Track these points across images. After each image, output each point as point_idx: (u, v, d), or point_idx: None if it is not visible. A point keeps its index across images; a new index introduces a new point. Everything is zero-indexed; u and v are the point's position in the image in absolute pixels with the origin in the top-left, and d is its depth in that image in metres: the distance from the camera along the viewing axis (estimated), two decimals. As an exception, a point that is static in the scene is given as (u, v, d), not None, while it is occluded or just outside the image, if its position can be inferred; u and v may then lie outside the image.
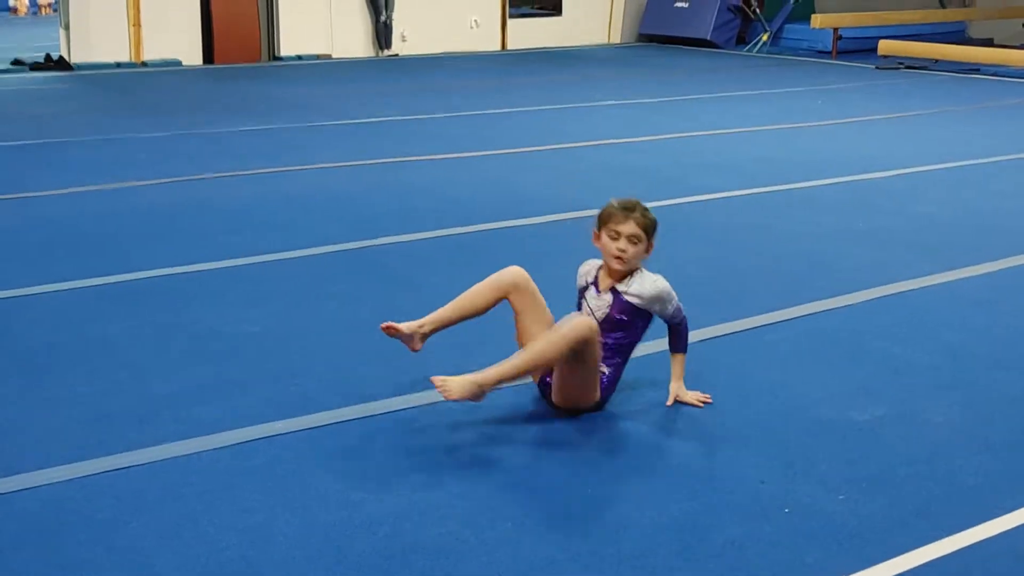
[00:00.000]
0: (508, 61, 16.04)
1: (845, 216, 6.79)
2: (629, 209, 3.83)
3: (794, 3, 17.84)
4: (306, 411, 3.83)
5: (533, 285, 3.99)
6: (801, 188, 7.58)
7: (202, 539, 3.01)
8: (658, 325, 3.93)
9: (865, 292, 5.24)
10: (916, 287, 5.34)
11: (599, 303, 3.86)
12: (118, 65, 14.30)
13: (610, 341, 3.82)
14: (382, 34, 16.03)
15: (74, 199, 7.09)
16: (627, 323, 3.82)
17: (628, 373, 3.96)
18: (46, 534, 3.04)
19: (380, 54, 16.09)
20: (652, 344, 4.24)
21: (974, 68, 14.71)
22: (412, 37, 16.39)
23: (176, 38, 14.68)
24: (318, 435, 3.66)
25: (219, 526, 3.08)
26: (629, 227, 3.79)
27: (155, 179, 7.62)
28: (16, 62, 14.33)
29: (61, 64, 14.18)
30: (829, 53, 16.65)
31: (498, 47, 17.36)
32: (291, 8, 15.35)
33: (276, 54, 15.36)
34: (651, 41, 18.43)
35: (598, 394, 3.78)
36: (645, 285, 3.82)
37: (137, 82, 13.18)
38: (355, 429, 3.71)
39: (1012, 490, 3.32)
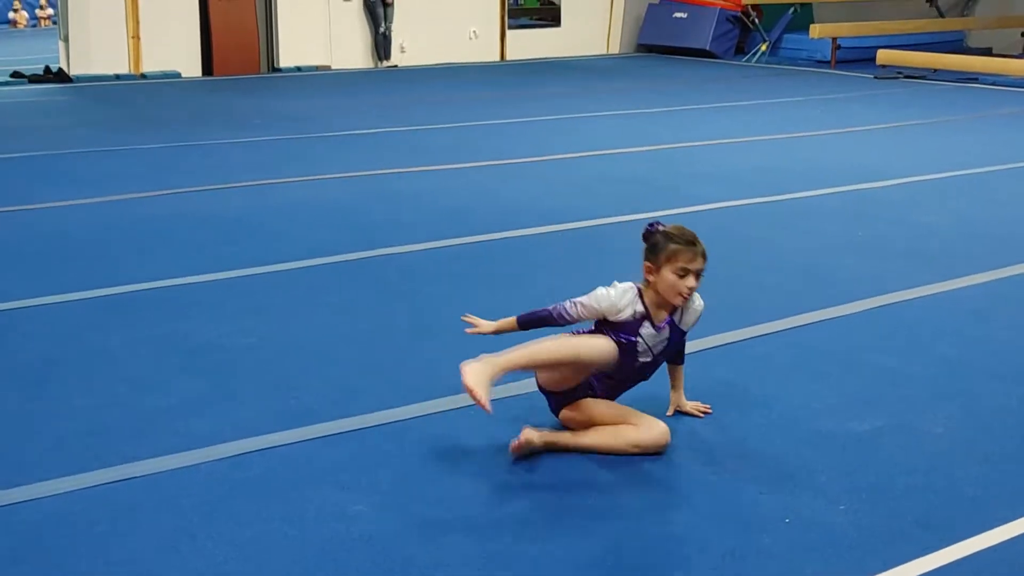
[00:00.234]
0: (507, 72, 16.06)
1: (843, 226, 6.78)
2: (693, 243, 3.60)
3: (793, 13, 17.86)
4: (303, 423, 3.82)
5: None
6: (799, 198, 7.58)
7: (199, 552, 3.00)
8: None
9: (863, 302, 5.23)
10: (914, 297, 5.34)
11: (659, 339, 3.66)
12: (117, 77, 14.32)
13: (636, 365, 3.70)
14: (381, 45, 16.05)
15: (72, 211, 7.09)
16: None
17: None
18: (44, 547, 3.03)
19: (379, 65, 16.11)
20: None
21: (972, 77, 14.72)
22: (411, 48, 16.41)
23: (175, 50, 14.70)
24: (315, 447, 3.65)
25: (216, 539, 3.07)
26: (699, 263, 3.60)
27: (153, 191, 7.62)
28: (15, 74, 14.35)
29: (60, 76, 14.20)
30: (828, 63, 16.67)
31: (497, 58, 17.39)
32: (290, 20, 15.38)
33: (275, 66, 15.38)
34: (650, 51, 18.46)
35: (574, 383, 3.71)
36: (692, 309, 3.72)
37: (136, 94, 13.19)
38: (352, 441, 3.70)
39: (1011, 500, 3.31)
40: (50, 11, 27.89)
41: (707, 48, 17.55)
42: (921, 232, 6.64)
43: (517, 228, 6.63)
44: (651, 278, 3.61)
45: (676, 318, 3.69)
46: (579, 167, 8.69)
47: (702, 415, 3.88)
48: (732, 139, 10.04)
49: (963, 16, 19.21)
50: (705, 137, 10.16)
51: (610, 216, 6.92)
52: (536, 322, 3.73)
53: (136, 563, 2.95)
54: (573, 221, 6.80)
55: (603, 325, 3.65)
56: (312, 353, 4.54)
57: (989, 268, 5.81)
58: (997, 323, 5.00)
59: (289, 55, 15.46)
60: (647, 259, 3.63)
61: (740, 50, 18.01)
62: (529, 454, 3.55)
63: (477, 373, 3.46)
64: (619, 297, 3.61)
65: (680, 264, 3.56)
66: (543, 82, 14.68)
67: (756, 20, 17.76)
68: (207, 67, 14.92)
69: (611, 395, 3.74)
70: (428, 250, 6.16)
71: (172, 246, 6.23)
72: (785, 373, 4.35)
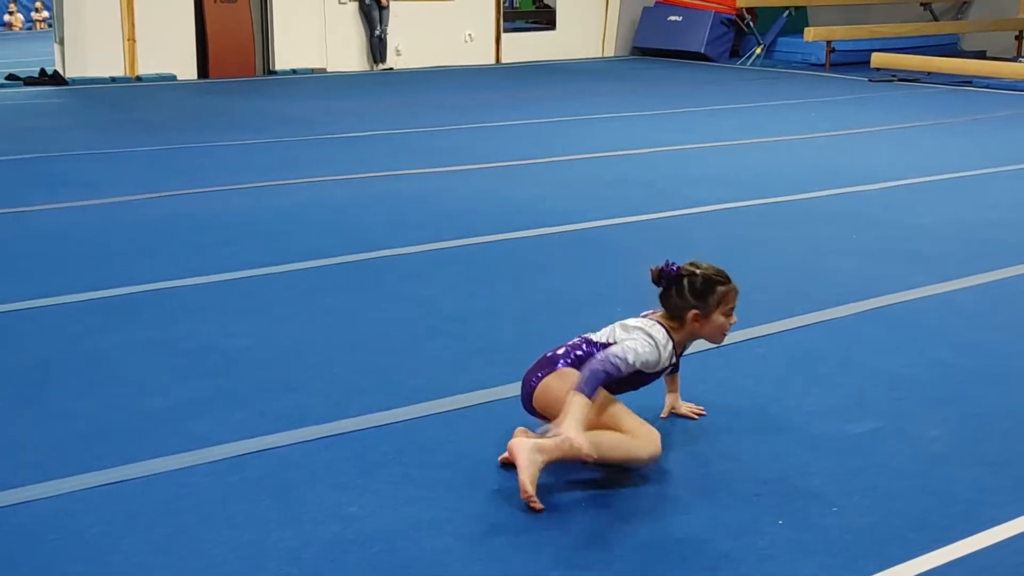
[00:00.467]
0: (503, 75, 16.08)
1: (838, 228, 6.80)
2: (730, 279, 3.62)
3: (787, 16, 17.90)
4: (301, 425, 3.83)
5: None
6: (795, 200, 7.59)
7: (196, 554, 3.01)
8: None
9: (858, 304, 5.25)
10: (909, 299, 5.35)
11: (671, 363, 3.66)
12: (113, 80, 14.32)
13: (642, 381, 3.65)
14: (376, 48, 16.06)
15: (68, 213, 7.10)
16: None
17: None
18: (40, 549, 3.03)
19: (374, 68, 16.13)
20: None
21: (967, 80, 14.75)
22: (406, 51, 16.43)
23: (171, 53, 14.70)
24: (313, 449, 3.66)
25: (213, 541, 3.07)
26: (736, 298, 3.63)
27: (150, 193, 7.62)
28: (11, 77, 14.35)
29: (56, 79, 14.20)
30: (822, 66, 16.70)
31: (492, 61, 17.40)
32: (286, 22, 15.39)
33: (271, 68, 15.39)
34: (645, 54, 18.48)
35: None
36: None
37: (132, 97, 13.19)
38: (350, 443, 3.71)
39: (1005, 503, 3.32)
40: (46, 14, 27.88)
41: (702, 51, 17.58)
42: (916, 234, 6.66)
43: (515, 230, 6.64)
44: (698, 324, 3.56)
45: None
46: (576, 169, 8.71)
47: (696, 417, 3.90)
48: (727, 142, 10.06)
49: (957, 19, 19.26)
50: (700, 140, 10.17)
51: (608, 218, 6.94)
52: (596, 388, 3.38)
53: (133, 565, 2.95)
54: (571, 223, 6.81)
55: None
56: (310, 355, 4.55)
57: (984, 270, 5.83)
58: (992, 325, 5.02)
59: (285, 58, 15.47)
60: (695, 307, 3.54)
61: (735, 53, 18.04)
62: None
63: (529, 466, 3.26)
64: (663, 352, 3.53)
65: (730, 305, 3.59)
66: (539, 85, 14.70)
67: (751, 23, 17.79)
68: (203, 70, 14.93)
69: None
70: (426, 252, 6.17)
71: (170, 248, 6.24)
72: (781, 375, 4.36)
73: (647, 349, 3.46)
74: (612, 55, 18.53)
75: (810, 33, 16.38)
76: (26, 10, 29.50)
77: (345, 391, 4.16)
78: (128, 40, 14.45)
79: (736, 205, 7.41)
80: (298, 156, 9.21)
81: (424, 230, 6.61)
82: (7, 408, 4.01)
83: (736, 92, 13.93)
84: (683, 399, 3.95)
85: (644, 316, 3.68)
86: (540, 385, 3.54)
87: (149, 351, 4.58)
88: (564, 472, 3.48)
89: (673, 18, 18.00)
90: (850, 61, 16.69)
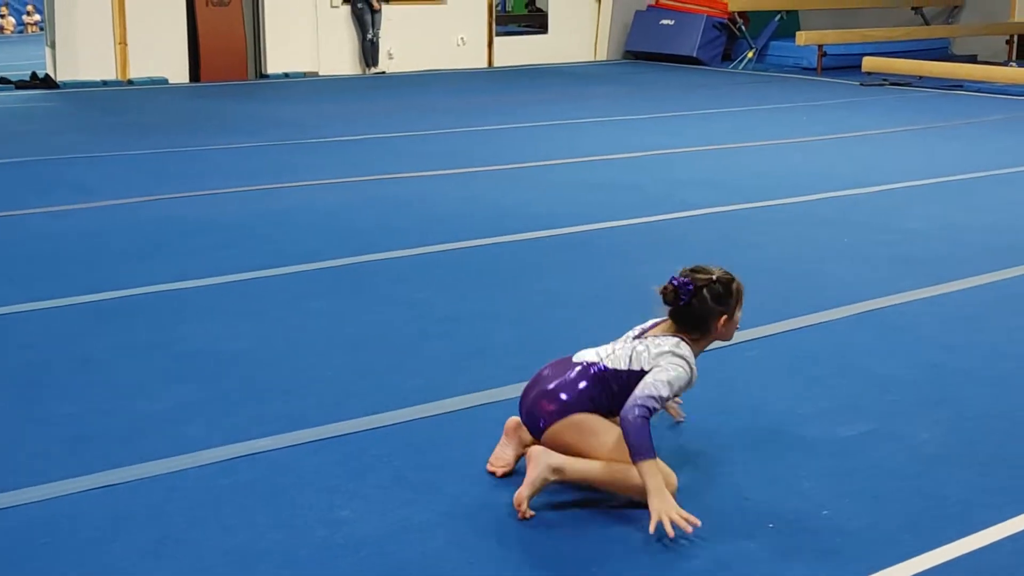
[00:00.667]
0: (494, 78, 16.08)
1: (830, 231, 6.81)
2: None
3: (779, 20, 17.93)
4: (291, 428, 3.82)
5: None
6: (786, 204, 7.60)
7: (186, 559, 3.00)
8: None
9: (849, 307, 5.25)
10: (901, 302, 5.36)
11: None
12: (104, 83, 14.30)
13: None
14: (369, 52, 16.06)
15: (61, 217, 7.08)
16: None
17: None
18: (31, 553, 3.02)
19: (367, 72, 16.12)
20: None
21: (958, 84, 14.78)
22: (399, 55, 16.42)
23: (162, 56, 14.68)
24: (303, 452, 3.65)
25: (203, 545, 3.06)
26: None
27: (142, 197, 7.61)
28: (2, 80, 14.32)
29: (47, 82, 14.17)
30: (814, 70, 16.73)
31: (485, 64, 17.41)
32: (278, 26, 15.37)
33: (263, 72, 15.37)
34: (637, 58, 18.49)
35: None
36: None
37: (123, 100, 13.17)
38: (341, 446, 3.70)
39: (996, 505, 3.32)
40: (37, 17, 27.83)
41: (694, 55, 17.59)
42: (907, 238, 6.66)
43: (507, 233, 6.64)
44: (724, 328, 3.46)
45: None
46: (567, 173, 8.71)
47: (682, 417, 3.88)
48: (719, 145, 10.07)
49: (948, 23, 19.30)
50: (693, 143, 10.18)
51: (599, 222, 6.94)
52: (651, 442, 3.20)
53: (122, 570, 2.95)
54: (562, 227, 6.81)
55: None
56: (303, 358, 4.55)
57: (975, 273, 5.84)
58: (984, 328, 5.02)
59: (277, 61, 15.45)
60: (723, 312, 3.42)
61: (727, 57, 18.06)
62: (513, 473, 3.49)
63: (537, 481, 3.21)
64: (695, 369, 3.38)
65: (742, 303, 3.55)
66: (531, 89, 14.70)
67: (743, 27, 17.82)
68: (194, 73, 14.90)
69: None
70: (418, 255, 6.16)
71: (162, 252, 6.23)
72: (773, 377, 4.37)
73: (679, 373, 3.30)
74: (604, 59, 18.55)
75: (802, 37, 16.41)
76: (17, 13, 29.45)
77: (337, 394, 4.15)
78: (119, 43, 14.43)
79: (727, 209, 7.41)
80: (290, 160, 9.20)
81: (416, 234, 6.61)
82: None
83: (728, 96, 13.94)
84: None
85: (654, 326, 3.50)
86: (551, 432, 3.34)
87: (141, 354, 4.57)
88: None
89: (665, 22, 18.01)
90: (842, 65, 16.72)
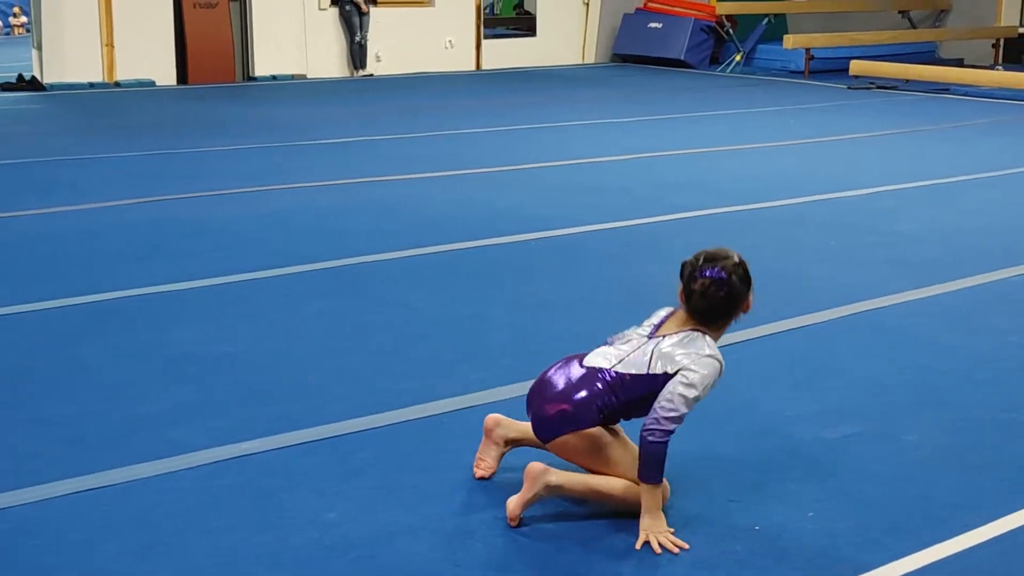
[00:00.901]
0: (483, 81, 16.09)
1: (817, 234, 6.83)
2: None
3: (767, 24, 17.97)
4: (280, 430, 3.82)
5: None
6: (774, 207, 7.62)
7: (174, 561, 3.00)
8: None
9: (838, 310, 5.27)
10: (888, 305, 5.38)
11: None
12: (91, 85, 14.27)
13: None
14: (357, 54, 16.05)
15: (48, 219, 7.07)
16: None
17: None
18: (20, 555, 3.02)
19: (355, 74, 16.11)
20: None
21: (944, 88, 14.84)
22: (387, 57, 16.42)
23: (150, 58, 14.65)
24: (292, 454, 3.66)
25: (192, 547, 3.07)
26: None
27: (130, 199, 7.60)
28: (-11, 82, 14.28)
29: (33, 84, 14.13)
30: (801, 73, 16.76)
31: (473, 67, 17.41)
32: (265, 28, 15.36)
33: (251, 74, 15.36)
34: (625, 61, 18.52)
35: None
36: None
37: (110, 102, 13.15)
38: (329, 449, 3.71)
39: (982, 507, 3.34)
40: (24, 19, 27.75)
41: (682, 58, 17.62)
42: (895, 240, 6.69)
43: (495, 236, 6.65)
44: (743, 312, 3.30)
45: None
46: (555, 176, 8.72)
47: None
48: (706, 148, 10.09)
49: (935, 27, 19.37)
50: (680, 146, 10.20)
51: (587, 224, 6.95)
52: (663, 470, 3.17)
53: (111, 572, 2.95)
54: (551, 229, 6.81)
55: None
56: (291, 360, 4.55)
57: (962, 276, 5.87)
58: (971, 330, 5.05)
59: (264, 63, 15.44)
60: (747, 298, 3.26)
61: (715, 60, 18.09)
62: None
63: (529, 494, 3.17)
64: (723, 362, 3.22)
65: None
66: (519, 91, 14.71)
67: (730, 30, 17.85)
68: (182, 75, 14.88)
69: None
70: (408, 257, 6.17)
71: (153, 254, 6.22)
72: (761, 380, 4.38)
73: (710, 371, 3.15)
74: (592, 62, 18.57)
75: (789, 40, 16.44)
76: (3, 15, 29.36)
77: (326, 397, 4.16)
78: (106, 45, 14.40)
79: (716, 211, 7.43)
80: (278, 162, 9.19)
81: (406, 236, 6.61)
82: (-15, 414, 3.99)
83: (715, 99, 13.97)
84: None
85: (665, 320, 3.32)
86: (559, 443, 3.26)
87: (133, 356, 4.57)
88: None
89: (653, 25, 18.04)
90: (829, 68, 16.76)
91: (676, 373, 3.15)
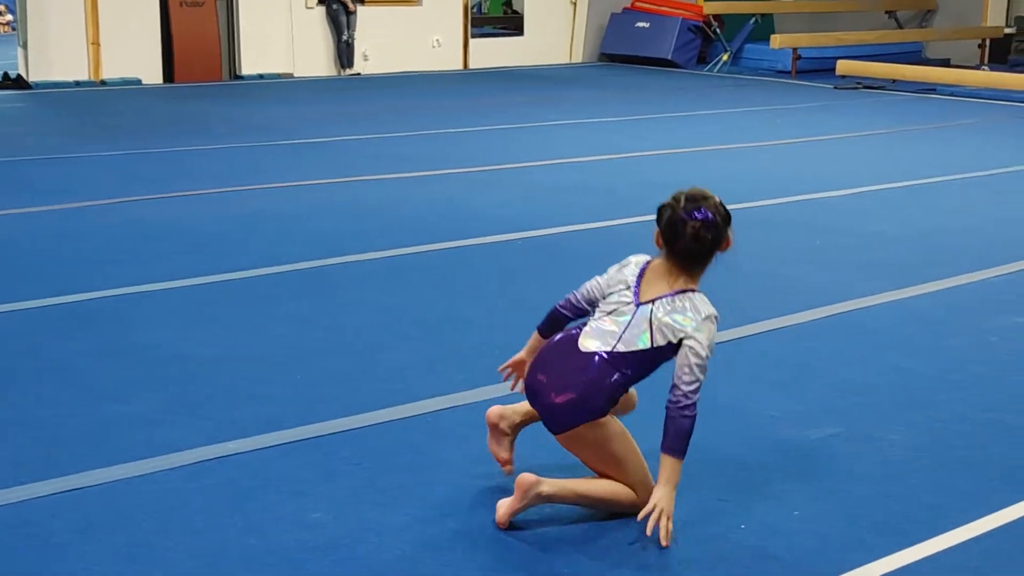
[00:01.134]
0: (470, 80, 16.07)
1: (801, 234, 6.84)
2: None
3: (754, 23, 17.99)
4: (261, 431, 3.81)
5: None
6: (758, 207, 7.63)
7: (156, 562, 2.99)
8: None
9: (819, 310, 5.28)
10: (870, 305, 5.39)
11: None
12: (77, 84, 14.21)
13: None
14: (344, 53, 16.02)
15: (30, 219, 7.04)
16: None
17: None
18: (0, 557, 3.01)
19: (342, 73, 16.08)
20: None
21: (931, 88, 14.88)
22: (374, 56, 16.39)
23: (136, 57, 14.59)
24: (274, 455, 3.64)
25: (173, 549, 3.05)
26: None
27: (113, 199, 7.57)
28: (-27, 81, 14.22)
29: (19, 83, 14.07)
30: (788, 73, 16.79)
31: (460, 66, 17.40)
32: (252, 27, 15.32)
33: (237, 73, 15.31)
34: (612, 61, 18.52)
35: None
36: None
37: (96, 101, 13.10)
38: (311, 449, 3.70)
39: (964, 505, 3.35)
40: (9, 17, 27.64)
41: (669, 58, 17.63)
42: (877, 241, 6.70)
43: (479, 236, 6.64)
44: (723, 251, 3.27)
45: None
46: (540, 176, 8.72)
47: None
48: (693, 148, 10.10)
49: (922, 27, 19.41)
50: (667, 146, 10.21)
51: (573, 224, 6.95)
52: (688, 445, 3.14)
53: (93, 573, 2.93)
54: (535, 229, 6.81)
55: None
56: (273, 361, 4.53)
57: (943, 277, 5.88)
58: (951, 331, 5.06)
59: (251, 62, 15.40)
60: (724, 238, 3.24)
61: (702, 60, 18.11)
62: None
63: (518, 504, 3.14)
64: (715, 312, 3.22)
65: None
66: (506, 91, 14.70)
67: (718, 30, 17.87)
68: (168, 74, 14.83)
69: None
70: (389, 258, 6.16)
71: (132, 254, 6.19)
72: (743, 381, 4.38)
73: (712, 334, 3.15)
74: (580, 61, 18.57)
75: (776, 40, 16.47)
76: (-10, 14, 29.25)
77: (307, 397, 4.15)
78: (92, 44, 14.34)
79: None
80: (264, 162, 9.17)
81: (388, 236, 6.60)
82: (-35, 415, 3.97)
83: (702, 99, 13.98)
84: (646, 404, 3.93)
85: (644, 271, 3.26)
86: (570, 435, 3.19)
87: (111, 358, 4.55)
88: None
89: (641, 25, 18.05)
90: (816, 68, 16.79)
91: (679, 342, 3.13)
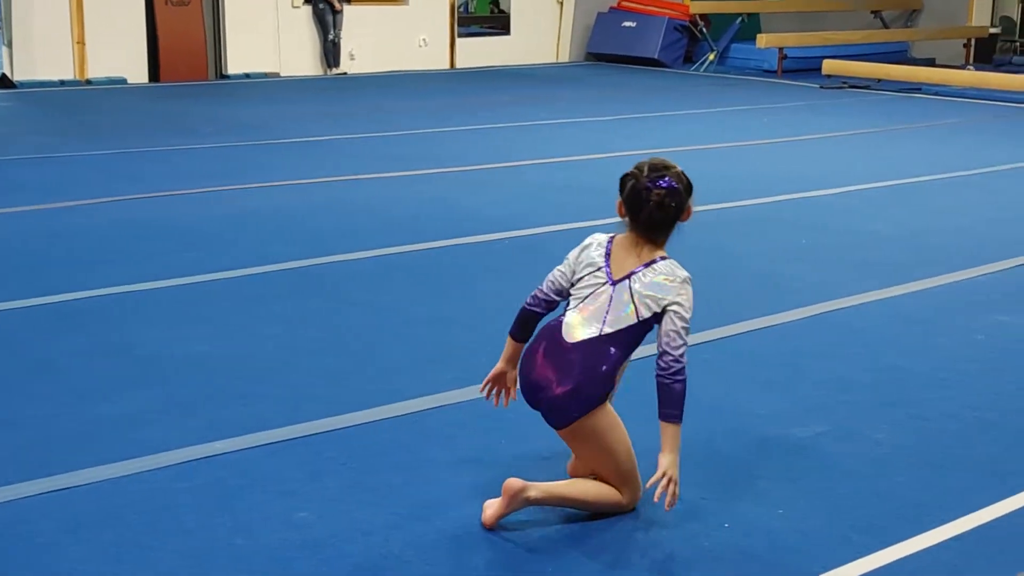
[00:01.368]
0: (457, 80, 16.07)
1: (788, 233, 6.86)
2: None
3: (740, 23, 18.03)
4: (250, 431, 3.81)
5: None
6: (745, 206, 7.65)
7: (143, 562, 2.99)
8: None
9: (806, 309, 5.30)
10: (858, 304, 5.41)
11: None
12: (62, 83, 14.17)
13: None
14: (330, 52, 16.00)
15: (16, 218, 7.02)
16: None
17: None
18: (-16, 558, 3.01)
19: (328, 72, 16.07)
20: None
21: (916, 87, 14.93)
22: (360, 56, 16.38)
23: (121, 56, 14.56)
24: (261, 455, 3.65)
25: (160, 548, 3.05)
26: None
27: (100, 198, 7.56)
28: (-42, 80, 14.17)
29: (4, 82, 14.02)
30: (774, 72, 16.83)
31: (447, 65, 17.39)
32: (238, 26, 15.29)
33: (223, 72, 15.28)
34: (599, 60, 18.54)
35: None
36: None
37: (82, 100, 13.07)
38: (299, 448, 3.70)
39: (948, 504, 3.37)
40: (-5, 16, 27.54)
41: (656, 57, 17.66)
42: (864, 240, 6.73)
43: (468, 235, 6.65)
44: (683, 221, 3.32)
45: None
46: (528, 175, 8.73)
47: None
48: (679, 147, 10.11)
49: (907, 27, 19.48)
50: (653, 145, 10.21)
51: (561, 223, 6.95)
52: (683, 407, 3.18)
53: (80, 573, 2.93)
54: (523, 228, 6.82)
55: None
56: (261, 361, 4.53)
57: (931, 275, 5.91)
58: (939, 330, 5.08)
59: (237, 61, 15.37)
60: (686, 207, 3.30)
61: (688, 59, 18.14)
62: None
63: (505, 509, 3.15)
64: (687, 274, 3.25)
65: None
66: (493, 90, 14.71)
67: (704, 30, 17.90)
68: (154, 73, 14.79)
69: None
70: (378, 257, 6.16)
71: (120, 253, 6.18)
72: (730, 380, 4.40)
73: (691, 291, 3.19)
74: (566, 60, 18.58)
75: (763, 40, 16.51)
76: (-25, 12, 29.14)
77: (295, 397, 4.15)
78: (77, 43, 14.30)
79: (688, 210, 7.44)
80: (250, 161, 9.16)
81: (376, 235, 6.60)
82: (-48, 415, 3.96)
83: (689, 98, 14.01)
84: (631, 403, 3.93)
85: (610, 246, 3.32)
86: (573, 428, 3.19)
87: (99, 358, 4.54)
88: (510, 475, 3.48)
89: (627, 24, 18.07)
90: (802, 68, 16.84)
91: (664, 310, 3.15)
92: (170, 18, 14.70)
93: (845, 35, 17.50)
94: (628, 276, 3.21)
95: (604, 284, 3.23)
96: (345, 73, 16.14)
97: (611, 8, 18.45)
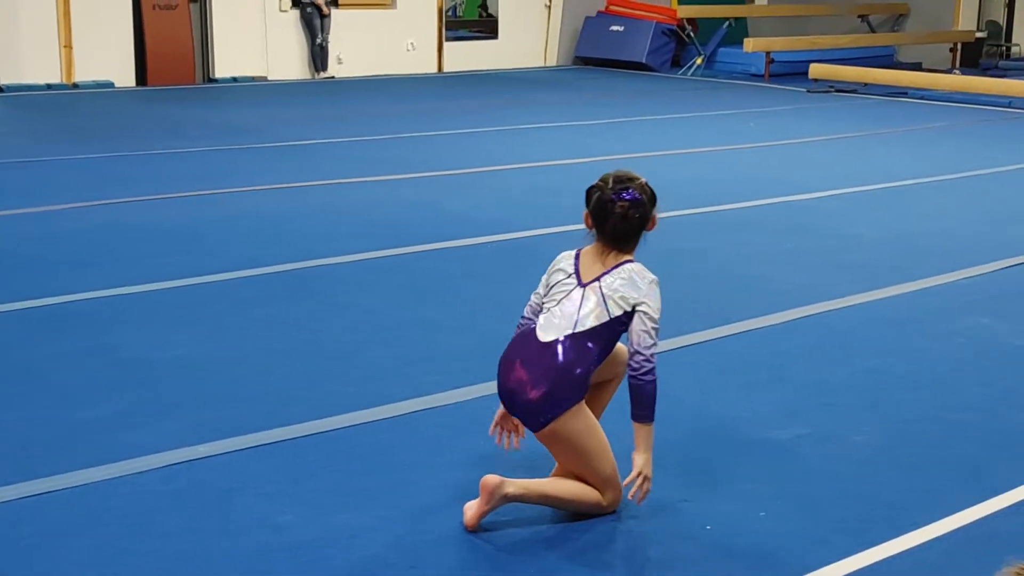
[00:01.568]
0: (445, 84, 16.08)
1: (773, 237, 6.89)
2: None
3: (728, 27, 18.07)
4: (232, 434, 3.82)
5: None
6: (731, 209, 7.68)
7: (126, 565, 2.99)
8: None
9: (789, 312, 5.32)
10: (840, 307, 5.44)
11: None
12: (49, 87, 14.15)
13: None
14: (318, 56, 16.00)
15: (3, 222, 7.01)
16: None
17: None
18: (-34, 561, 3.01)
19: (316, 76, 16.07)
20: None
21: (902, 92, 14.98)
22: (348, 59, 16.38)
23: (108, 59, 14.54)
24: (243, 458, 3.65)
25: (143, 552, 3.06)
26: None
27: (85, 202, 7.55)
28: (-55, 83, 14.13)
29: (-9, 85, 14.01)
30: (761, 76, 16.88)
31: (434, 69, 17.40)
32: (226, 29, 15.28)
33: (211, 76, 15.28)
34: (587, 64, 18.57)
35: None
36: None
37: (68, 104, 13.05)
38: (282, 452, 3.71)
39: (927, 505, 3.39)
40: (-18, 19, 27.46)
41: (643, 61, 17.69)
42: (848, 243, 6.76)
43: (454, 239, 6.66)
44: (650, 230, 3.38)
45: None
46: (515, 179, 8.74)
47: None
48: (667, 151, 10.13)
49: (894, 31, 19.55)
50: (640, 149, 10.24)
51: (547, 227, 6.96)
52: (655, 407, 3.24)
53: (62, 576, 2.94)
54: (508, 232, 6.84)
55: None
56: (244, 365, 4.54)
57: (913, 279, 5.93)
58: (920, 333, 5.11)
59: (225, 65, 15.36)
60: (651, 217, 3.37)
61: (676, 63, 18.18)
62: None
63: (485, 507, 3.16)
64: (655, 277, 3.30)
65: None
66: (480, 94, 14.72)
67: (691, 34, 17.94)
68: (141, 77, 14.77)
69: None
70: (363, 261, 6.17)
71: (105, 257, 6.18)
72: (712, 382, 4.42)
73: (658, 293, 3.25)
74: (554, 64, 18.61)
75: (750, 44, 16.55)
76: (-38, 15, 29.05)
77: (278, 400, 4.15)
78: (64, 46, 14.28)
79: (673, 214, 7.44)
80: (237, 165, 9.16)
81: (362, 239, 6.61)
82: (-65, 419, 3.96)
83: (676, 102, 14.04)
84: (614, 407, 3.95)
85: (578, 258, 3.35)
86: (551, 429, 3.20)
87: (81, 361, 4.55)
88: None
89: (615, 28, 18.11)
90: (789, 72, 16.88)
91: (633, 309, 3.21)
92: (157, 22, 14.68)
93: (832, 39, 17.55)
94: (598, 278, 3.28)
95: (574, 287, 3.30)
96: (333, 77, 16.14)
97: (599, 12, 18.48)
